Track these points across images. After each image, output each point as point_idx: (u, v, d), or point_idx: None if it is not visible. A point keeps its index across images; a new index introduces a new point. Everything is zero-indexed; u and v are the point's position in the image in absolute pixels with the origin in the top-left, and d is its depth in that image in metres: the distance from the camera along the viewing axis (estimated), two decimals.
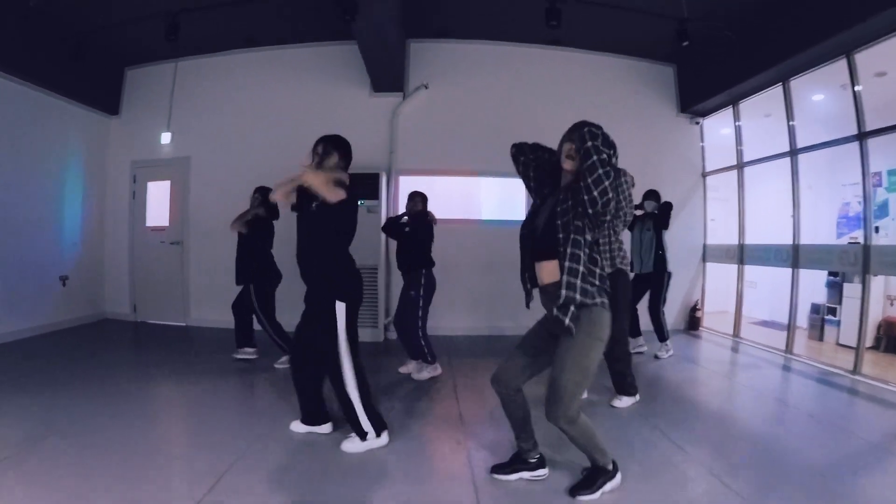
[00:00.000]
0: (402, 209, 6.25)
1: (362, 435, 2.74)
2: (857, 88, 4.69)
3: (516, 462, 2.44)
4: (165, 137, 6.61)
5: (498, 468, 2.44)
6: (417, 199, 4.45)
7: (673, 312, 6.62)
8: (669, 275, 5.22)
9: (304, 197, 2.77)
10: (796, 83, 5.45)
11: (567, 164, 2.19)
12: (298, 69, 6.47)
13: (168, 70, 6.68)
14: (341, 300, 2.76)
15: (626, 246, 4.01)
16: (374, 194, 5.77)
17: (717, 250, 6.65)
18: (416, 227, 4.34)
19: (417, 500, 2.29)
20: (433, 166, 6.24)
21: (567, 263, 2.07)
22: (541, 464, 2.44)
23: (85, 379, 4.03)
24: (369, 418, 2.76)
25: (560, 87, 6.53)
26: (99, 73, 6.56)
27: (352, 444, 2.75)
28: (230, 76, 6.60)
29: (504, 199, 6.45)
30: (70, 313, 6.35)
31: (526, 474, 2.42)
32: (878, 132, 4.60)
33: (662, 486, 2.39)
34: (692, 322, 6.64)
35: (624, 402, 3.59)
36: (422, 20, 6.02)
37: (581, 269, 2.07)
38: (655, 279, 5.18)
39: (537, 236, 2.22)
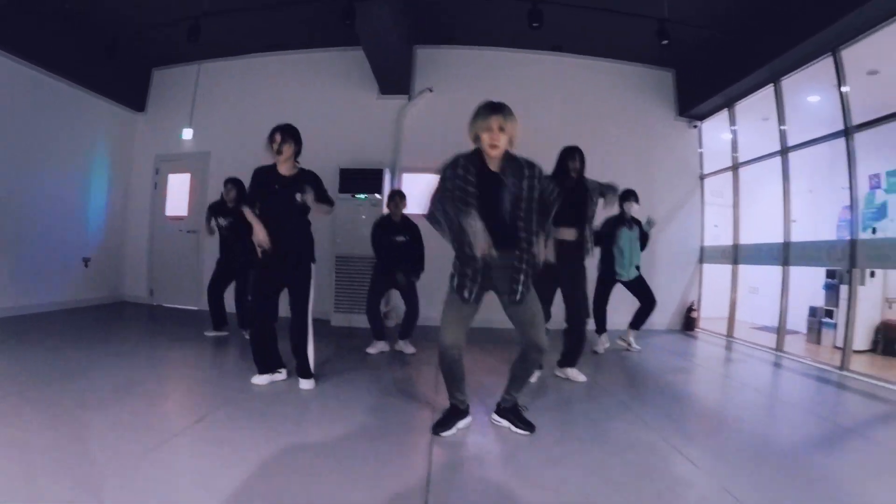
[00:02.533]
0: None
1: (310, 374, 3.40)
2: (843, 89, 4.75)
3: (452, 413, 2.68)
4: (187, 133, 7.05)
5: (439, 426, 2.62)
6: (401, 200, 4.71)
7: (669, 313, 6.75)
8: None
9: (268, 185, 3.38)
10: (788, 83, 5.56)
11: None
12: (312, 72, 6.88)
13: (192, 71, 7.16)
14: (314, 262, 3.43)
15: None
16: (377, 188, 6.07)
17: (713, 251, 6.75)
18: (412, 235, 4.64)
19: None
20: (435, 164, 6.48)
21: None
22: (467, 409, 2.73)
23: (93, 344, 4.43)
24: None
25: (561, 92, 6.79)
26: (128, 72, 7.07)
27: (307, 383, 3.37)
28: (249, 78, 7.04)
29: None
30: (90, 293, 6.78)
31: (461, 423, 2.68)
32: (865, 126, 4.63)
33: (632, 466, 2.32)
34: (688, 322, 6.72)
35: (575, 373, 3.84)
36: (428, 28, 6.39)
37: None
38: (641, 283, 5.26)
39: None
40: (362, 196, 6.09)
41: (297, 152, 3.42)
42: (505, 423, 2.71)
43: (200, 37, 5.52)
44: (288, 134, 3.34)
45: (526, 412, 2.77)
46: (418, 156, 6.59)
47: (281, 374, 3.49)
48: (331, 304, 6.07)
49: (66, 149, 6.39)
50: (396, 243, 4.58)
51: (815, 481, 2.22)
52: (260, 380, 3.39)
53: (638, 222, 5.24)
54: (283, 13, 5.89)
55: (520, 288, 2.48)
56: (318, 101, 6.81)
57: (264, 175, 3.39)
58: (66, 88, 6.27)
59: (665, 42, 4.99)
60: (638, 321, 5.32)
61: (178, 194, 7.18)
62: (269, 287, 3.38)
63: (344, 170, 6.20)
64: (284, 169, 3.38)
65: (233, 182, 5.20)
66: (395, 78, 6.43)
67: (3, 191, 5.54)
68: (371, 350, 4.58)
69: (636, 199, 5.21)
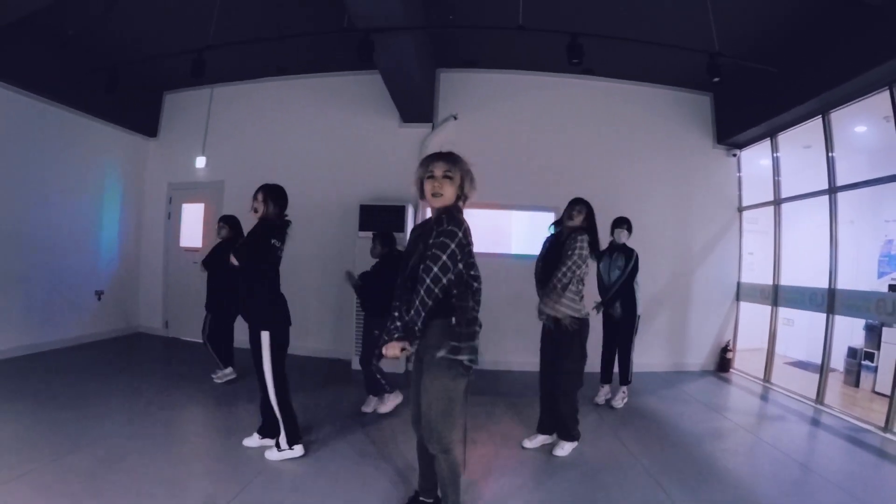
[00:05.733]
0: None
1: (279, 447, 3.20)
2: None
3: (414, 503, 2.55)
4: (200, 161, 6.79)
5: None
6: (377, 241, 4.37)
7: (703, 353, 6.46)
8: (639, 317, 4.85)
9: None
10: (837, 115, 5.23)
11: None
12: (329, 97, 6.56)
13: (204, 95, 6.87)
14: (264, 329, 3.19)
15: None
16: (399, 227, 5.78)
17: (752, 290, 6.41)
18: (379, 268, 4.29)
19: None
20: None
21: None
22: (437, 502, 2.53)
23: (113, 395, 4.31)
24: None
25: (593, 118, 6.43)
26: (138, 96, 6.81)
27: (272, 454, 3.20)
28: (263, 103, 6.75)
29: (534, 232, 6.36)
30: (104, 326, 6.63)
31: None
32: None
33: None
34: (722, 363, 6.40)
35: (566, 448, 3.53)
36: (451, 50, 6.03)
37: None
38: (626, 322, 4.81)
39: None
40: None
41: (276, 214, 3.30)
42: None
43: (210, 63, 5.21)
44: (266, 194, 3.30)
45: None
46: None
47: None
48: (353, 347, 5.85)
49: (77, 179, 6.20)
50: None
51: None
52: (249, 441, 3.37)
53: (627, 251, 4.78)
54: (293, 40, 5.55)
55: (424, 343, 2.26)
56: (337, 129, 6.51)
57: None
58: (74, 117, 6.07)
59: (716, 80, 4.61)
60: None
61: (192, 225, 6.95)
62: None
63: (365, 206, 5.93)
64: None
65: (225, 219, 5.08)
66: (417, 105, 6.08)
67: (11, 224, 5.37)
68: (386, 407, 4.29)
69: (628, 228, 4.81)
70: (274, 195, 3.29)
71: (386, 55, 4.69)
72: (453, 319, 2.19)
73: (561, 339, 3.48)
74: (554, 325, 3.52)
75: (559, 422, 3.59)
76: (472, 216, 6.03)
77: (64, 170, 5.99)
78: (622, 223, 4.83)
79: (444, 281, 2.11)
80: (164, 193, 7.06)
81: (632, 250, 4.80)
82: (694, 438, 4.09)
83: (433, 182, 2.22)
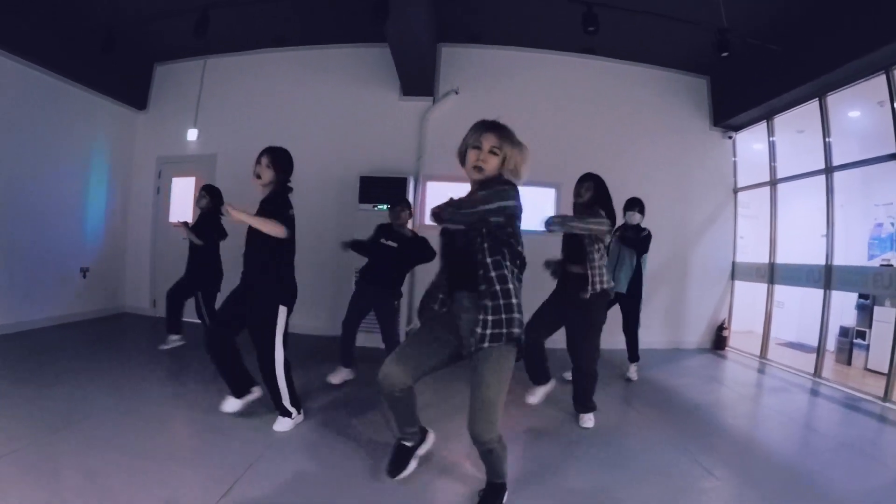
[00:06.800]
0: (427, 214, 6.21)
1: (287, 414, 3.09)
2: None
3: (401, 453, 2.45)
4: (192, 134, 6.58)
5: (394, 469, 2.41)
6: (402, 211, 4.36)
7: (699, 331, 6.53)
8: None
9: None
10: (832, 99, 5.34)
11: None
12: (328, 70, 6.43)
13: (197, 67, 6.66)
14: (284, 304, 3.03)
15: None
16: (400, 199, 5.69)
17: (747, 268, 6.51)
18: (408, 244, 4.24)
19: None
20: (461, 172, 6.14)
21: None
22: (423, 435, 2.52)
23: (103, 374, 4.03)
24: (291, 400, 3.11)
25: (592, 97, 6.45)
26: (128, 67, 6.56)
27: (280, 425, 3.07)
28: (259, 75, 6.58)
29: (533, 207, 6.33)
30: (89, 305, 6.35)
31: (420, 450, 2.51)
32: None
33: None
34: (718, 341, 6.49)
35: (591, 420, 3.45)
36: (454, 24, 5.97)
37: None
38: (632, 301, 4.80)
39: None
40: (384, 207, 5.72)
41: (281, 181, 3.05)
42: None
43: (207, 30, 5.10)
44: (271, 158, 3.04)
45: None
46: (443, 162, 6.20)
47: (254, 395, 3.21)
48: None
49: (62, 151, 5.89)
50: (385, 248, 4.21)
51: None
52: (230, 406, 3.14)
53: (639, 230, 4.79)
54: (295, 4, 5.43)
55: (480, 332, 1.99)
56: (336, 101, 6.38)
57: None
58: (61, 85, 5.75)
59: (725, 54, 4.65)
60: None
61: (183, 199, 6.72)
62: (228, 311, 3.09)
63: (365, 178, 5.83)
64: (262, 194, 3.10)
65: (207, 189, 4.95)
66: (419, 78, 6.02)
67: None
68: (334, 379, 4.12)
69: (640, 210, 4.78)
70: (282, 161, 3.04)
71: (399, 21, 4.61)
72: (514, 299, 2.02)
73: (588, 308, 3.35)
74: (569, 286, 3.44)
75: (577, 395, 3.48)
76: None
77: (48, 140, 5.68)
78: (634, 205, 4.76)
79: (481, 208, 1.97)
80: (153, 167, 6.82)
81: (644, 228, 4.80)
82: (705, 407, 4.14)
83: (478, 153, 2.06)
